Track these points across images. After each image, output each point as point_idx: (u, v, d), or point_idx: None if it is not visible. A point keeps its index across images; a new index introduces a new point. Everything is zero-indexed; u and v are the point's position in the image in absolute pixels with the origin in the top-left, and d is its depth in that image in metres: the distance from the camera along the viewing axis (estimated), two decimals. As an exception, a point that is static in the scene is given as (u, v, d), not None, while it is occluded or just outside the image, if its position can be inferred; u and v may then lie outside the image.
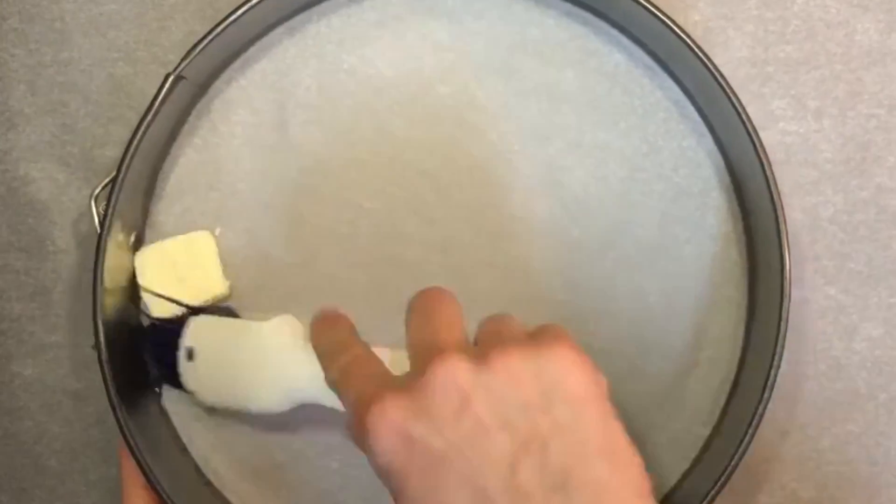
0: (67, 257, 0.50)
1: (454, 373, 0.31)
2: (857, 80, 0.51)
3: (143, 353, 0.48)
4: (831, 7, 0.51)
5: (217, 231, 0.49)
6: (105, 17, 0.51)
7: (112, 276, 0.45)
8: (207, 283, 0.48)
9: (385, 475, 0.31)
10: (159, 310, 0.47)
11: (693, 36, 0.45)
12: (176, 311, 0.47)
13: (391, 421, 0.31)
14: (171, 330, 0.47)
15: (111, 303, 0.45)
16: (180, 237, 0.48)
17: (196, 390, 0.47)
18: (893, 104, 0.51)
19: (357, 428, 0.32)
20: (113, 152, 0.50)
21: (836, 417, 0.50)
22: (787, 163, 0.50)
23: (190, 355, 0.46)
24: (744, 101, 0.47)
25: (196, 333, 0.46)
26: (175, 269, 0.47)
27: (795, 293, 0.50)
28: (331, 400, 0.38)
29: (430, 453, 0.30)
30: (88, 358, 0.50)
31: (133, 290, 0.48)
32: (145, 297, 0.47)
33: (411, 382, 0.31)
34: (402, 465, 0.31)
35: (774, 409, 0.50)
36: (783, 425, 0.50)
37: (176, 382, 0.47)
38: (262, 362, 0.45)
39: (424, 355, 0.32)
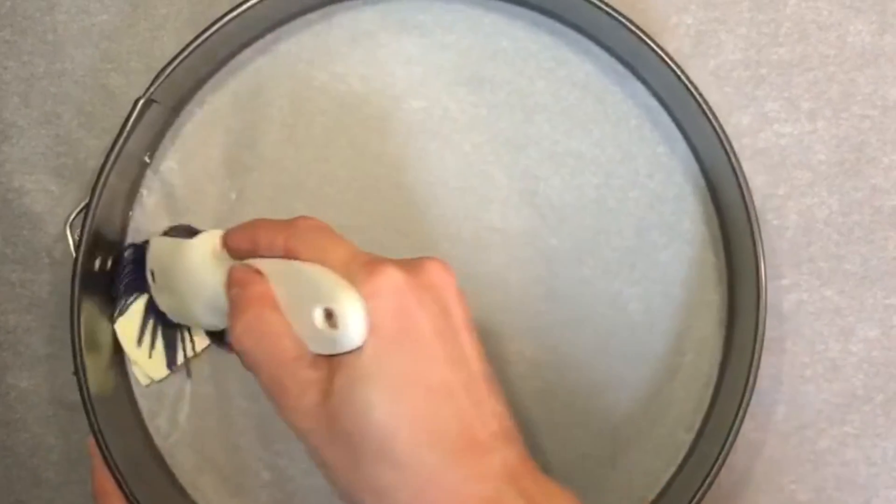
0: (63, 269, 0.50)
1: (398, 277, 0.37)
2: (851, 81, 0.51)
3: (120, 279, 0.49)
4: (823, 9, 0.51)
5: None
6: (97, 27, 0.51)
7: (88, 304, 0.46)
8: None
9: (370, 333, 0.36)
10: (144, 375, 0.49)
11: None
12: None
13: (395, 284, 0.36)
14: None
15: (91, 328, 0.46)
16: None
17: (165, 311, 0.48)
18: (887, 105, 0.51)
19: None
20: (107, 163, 0.50)
21: (834, 419, 0.50)
22: (782, 165, 0.50)
23: (153, 276, 0.47)
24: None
25: (153, 255, 0.48)
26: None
27: (791, 295, 0.50)
28: None
29: (415, 334, 0.36)
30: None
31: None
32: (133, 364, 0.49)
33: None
34: (389, 327, 0.36)
35: (771, 410, 0.50)
36: (780, 427, 0.50)
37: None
38: (191, 279, 0.45)
39: (369, 266, 0.36)
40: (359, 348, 0.35)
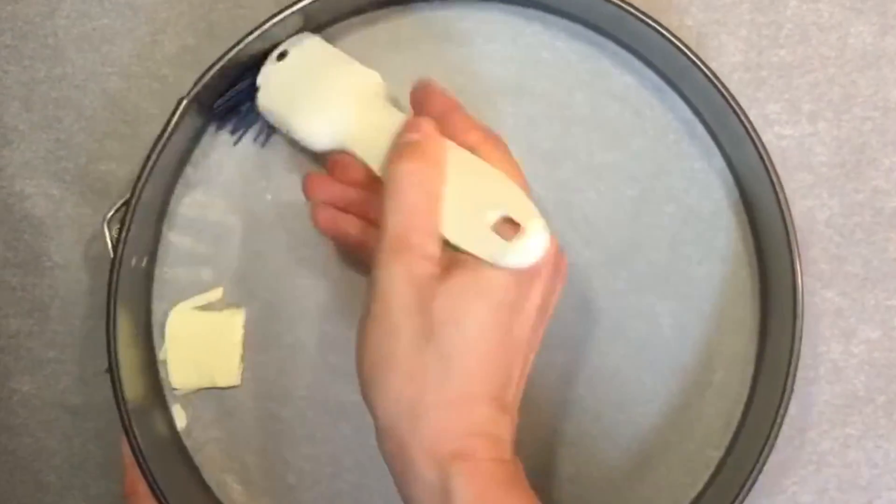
0: (64, 273, 0.50)
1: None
2: (852, 83, 0.51)
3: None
4: (824, 11, 0.51)
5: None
6: (98, 32, 0.51)
7: (124, 300, 0.45)
8: (222, 367, 0.49)
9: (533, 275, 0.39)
10: (180, 382, 0.49)
11: (686, 42, 0.45)
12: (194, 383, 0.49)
13: (548, 261, 0.39)
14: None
15: (124, 327, 0.45)
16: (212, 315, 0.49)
17: (265, 96, 0.46)
18: (888, 107, 0.51)
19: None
20: (108, 167, 0.50)
21: (836, 421, 0.50)
22: (783, 167, 0.50)
23: (281, 56, 0.46)
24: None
25: (296, 43, 0.46)
26: (194, 345, 0.49)
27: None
28: (365, 153, 0.43)
29: (534, 294, 0.40)
30: (86, 373, 0.50)
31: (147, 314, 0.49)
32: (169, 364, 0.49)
33: None
34: (548, 275, 0.40)
35: (773, 413, 0.50)
36: (782, 429, 0.50)
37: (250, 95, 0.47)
38: (333, 93, 0.45)
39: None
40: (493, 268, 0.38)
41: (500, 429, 0.38)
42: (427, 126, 0.40)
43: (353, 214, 0.44)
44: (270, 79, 0.46)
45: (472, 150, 0.40)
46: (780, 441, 0.50)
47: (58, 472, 0.51)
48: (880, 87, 0.51)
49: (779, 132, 0.51)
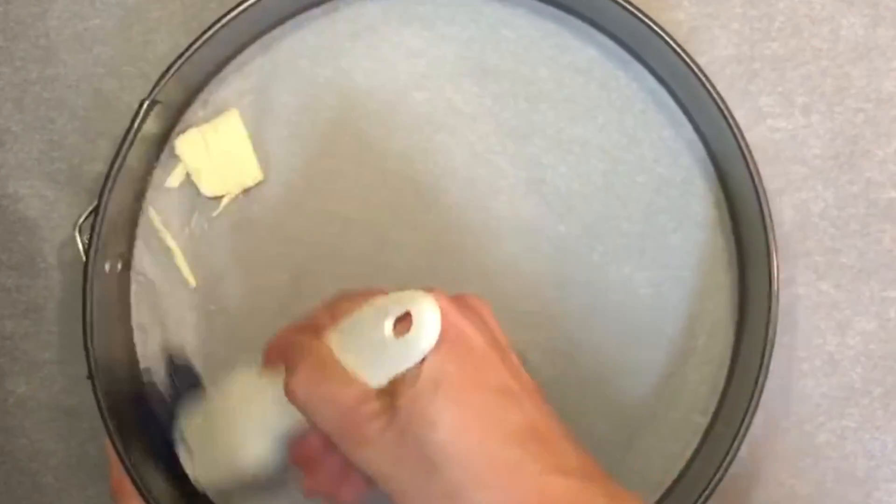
0: (59, 274, 0.50)
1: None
2: (844, 75, 0.51)
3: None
4: (816, 3, 0.51)
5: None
6: (90, 32, 0.51)
7: (101, 303, 0.45)
8: (243, 169, 0.49)
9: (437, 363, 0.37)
10: (210, 188, 0.48)
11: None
12: (223, 189, 0.49)
13: (444, 304, 0.37)
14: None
15: (102, 329, 0.45)
16: (211, 122, 0.49)
17: (201, 479, 0.46)
18: (881, 98, 0.51)
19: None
20: (101, 167, 0.50)
21: (832, 413, 0.50)
22: (777, 159, 0.50)
23: (184, 439, 0.46)
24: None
25: (186, 423, 0.46)
26: (210, 156, 0.48)
27: (787, 290, 0.50)
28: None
29: (470, 346, 0.37)
30: (81, 374, 0.50)
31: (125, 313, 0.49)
32: (195, 177, 0.48)
33: None
34: (445, 340, 0.37)
35: (770, 405, 0.50)
36: (779, 422, 0.50)
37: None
38: (241, 411, 0.44)
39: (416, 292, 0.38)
40: (419, 363, 0.36)
41: (571, 461, 0.36)
42: (286, 340, 0.41)
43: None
44: (195, 468, 0.46)
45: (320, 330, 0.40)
46: (776, 434, 0.50)
47: (55, 472, 0.51)
48: (872, 79, 0.51)
49: (772, 125, 0.51)
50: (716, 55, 0.50)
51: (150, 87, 0.45)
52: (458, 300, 0.39)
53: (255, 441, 0.43)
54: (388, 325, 0.37)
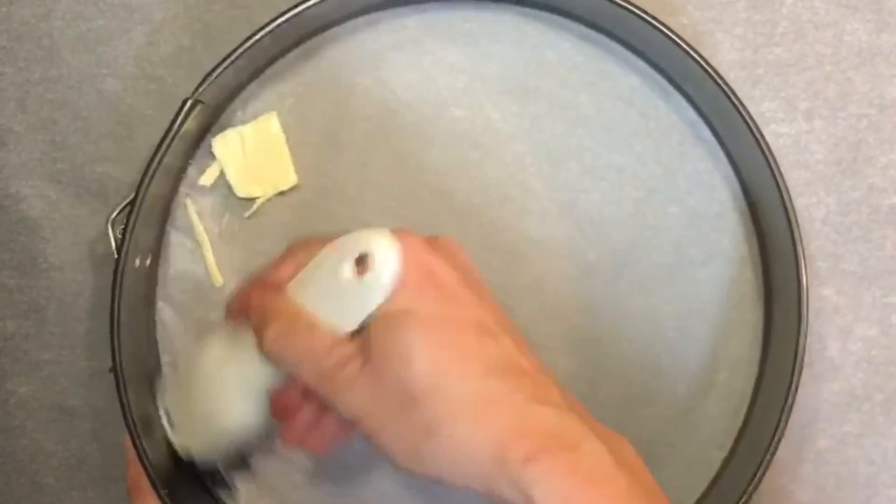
0: (61, 275, 0.50)
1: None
2: (848, 80, 0.51)
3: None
4: (820, 8, 0.51)
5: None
6: (93, 33, 0.50)
7: (127, 300, 0.45)
8: (278, 172, 0.49)
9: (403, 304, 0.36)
10: (244, 190, 0.48)
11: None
12: (257, 191, 0.48)
13: (415, 244, 0.37)
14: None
15: (126, 323, 0.45)
16: (250, 124, 0.49)
17: (189, 448, 0.46)
18: (884, 104, 0.51)
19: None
20: (104, 168, 0.50)
21: (833, 419, 0.50)
22: (779, 165, 0.50)
23: (168, 416, 0.46)
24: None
25: (166, 396, 0.47)
26: (246, 158, 0.48)
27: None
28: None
29: (441, 281, 0.37)
30: (83, 375, 0.50)
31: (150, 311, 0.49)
32: (230, 177, 0.48)
33: None
34: (415, 277, 0.37)
35: (771, 411, 0.50)
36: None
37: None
38: (217, 375, 0.44)
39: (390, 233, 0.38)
40: (388, 301, 0.36)
41: (553, 392, 0.36)
42: (252, 299, 0.41)
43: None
44: (182, 437, 0.46)
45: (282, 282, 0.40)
46: (777, 439, 0.50)
47: (55, 473, 0.51)
48: (876, 85, 0.51)
49: (775, 130, 0.51)
50: (719, 60, 0.50)
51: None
52: (431, 240, 0.39)
53: (236, 403, 0.43)
54: (348, 267, 0.38)
